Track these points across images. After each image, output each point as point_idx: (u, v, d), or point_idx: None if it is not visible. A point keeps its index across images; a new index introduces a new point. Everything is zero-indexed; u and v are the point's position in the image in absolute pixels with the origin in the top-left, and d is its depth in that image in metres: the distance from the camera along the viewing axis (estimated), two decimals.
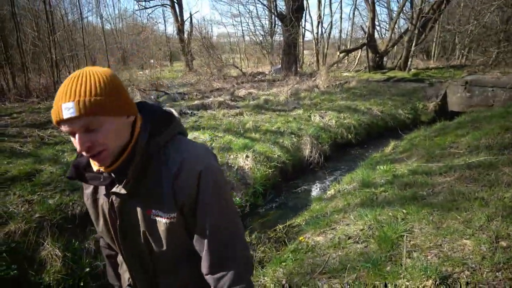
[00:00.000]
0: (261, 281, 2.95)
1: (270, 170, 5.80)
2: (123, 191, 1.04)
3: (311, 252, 3.20)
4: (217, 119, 7.97)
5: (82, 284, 3.14)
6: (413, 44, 14.47)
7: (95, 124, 0.95)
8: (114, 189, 1.07)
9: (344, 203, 4.16)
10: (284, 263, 3.11)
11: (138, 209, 1.09)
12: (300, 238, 3.55)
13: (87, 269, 3.22)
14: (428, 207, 3.43)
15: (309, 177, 6.48)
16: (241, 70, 15.99)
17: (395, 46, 17.87)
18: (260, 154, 6.03)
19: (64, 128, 0.95)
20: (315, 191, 5.87)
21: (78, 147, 0.96)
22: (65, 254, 3.23)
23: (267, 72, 16.33)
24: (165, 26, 44.70)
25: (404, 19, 18.60)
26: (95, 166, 1.09)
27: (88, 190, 1.20)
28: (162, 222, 1.07)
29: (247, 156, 5.83)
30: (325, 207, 4.37)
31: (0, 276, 2.83)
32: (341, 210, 3.99)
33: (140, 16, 29.79)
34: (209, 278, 1.10)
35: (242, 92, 11.19)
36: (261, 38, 21.34)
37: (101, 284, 3.19)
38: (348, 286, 2.56)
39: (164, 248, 1.11)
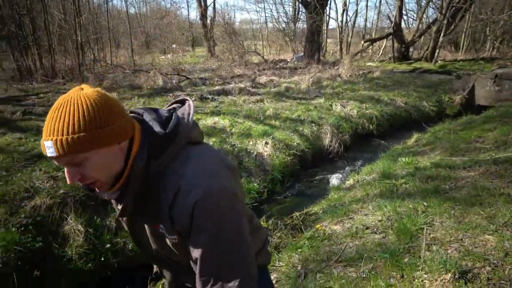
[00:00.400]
0: (276, 266, 2.97)
1: (289, 158, 5.78)
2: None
3: (327, 240, 3.19)
4: (237, 105, 7.97)
5: (103, 259, 3.24)
6: (441, 35, 13.99)
7: (79, 160, 0.90)
8: (119, 206, 1.06)
9: (363, 193, 4.12)
10: (300, 250, 3.11)
11: (146, 226, 1.08)
12: (317, 226, 3.54)
13: (108, 245, 3.32)
14: (450, 201, 3.36)
15: (328, 166, 6.43)
16: (262, 57, 15.87)
17: (422, 37, 17.31)
18: (280, 142, 6.01)
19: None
20: (333, 180, 5.82)
21: (67, 180, 0.94)
22: (87, 229, 3.34)
23: (289, 60, 16.16)
24: (188, 11, 44.89)
25: (433, 8, 18.01)
26: None
27: None
28: (168, 237, 1.04)
29: (266, 143, 5.83)
30: (343, 196, 4.33)
31: (27, 247, 2.95)
32: (359, 200, 3.95)
33: (163, 1, 29.92)
34: None
35: (263, 79, 11.12)
36: (284, 25, 21.04)
37: (120, 261, 3.29)
38: (364, 275, 2.54)
39: (177, 257, 1.11)
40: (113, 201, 1.16)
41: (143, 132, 1.00)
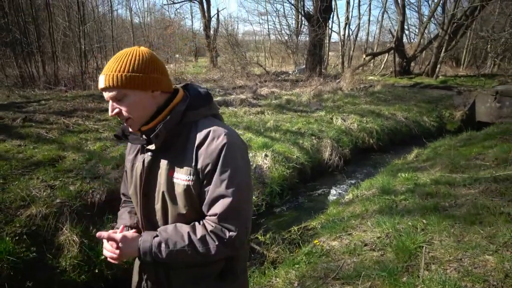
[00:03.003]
0: (272, 282, 2.93)
1: (288, 171, 5.75)
2: (154, 147, 1.21)
3: (325, 256, 3.15)
4: (238, 117, 7.98)
5: (97, 271, 3.19)
6: (443, 50, 14.09)
7: (119, 95, 1.15)
8: (148, 147, 1.24)
9: (362, 209, 4.08)
10: (297, 265, 3.07)
11: (163, 169, 1.22)
12: (315, 241, 3.50)
13: (103, 257, 3.26)
14: (449, 219, 3.32)
15: (327, 180, 6.40)
16: (264, 68, 15.96)
17: (424, 52, 17.46)
18: (279, 154, 5.99)
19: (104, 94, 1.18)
20: (332, 194, 5.79)
21: (109, 112, 1.18)
22: (82, 240, 3.29)
23: (290, 72, 16.25)
24: (192, 21, 45.14)
25: (434, 24, 18.17)
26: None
27: (130, 156, 1.37)
28: (180, 184, 1.18)
29: (266, 155, 5.81)
30: (342, 211, 4.29)
31: (20, 257, 2.91)
32: (358, 215, 3.91)
33: (168, 11, 30.11)
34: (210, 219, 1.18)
35: (264, 91, 11.16)
36: (286, 38, 21.22)
37: (114, 273, 3.24)
38: None
39: (178, 209, 1.21)
40: (129, 161, 1.37)
41: (185, 92, 1.29)
